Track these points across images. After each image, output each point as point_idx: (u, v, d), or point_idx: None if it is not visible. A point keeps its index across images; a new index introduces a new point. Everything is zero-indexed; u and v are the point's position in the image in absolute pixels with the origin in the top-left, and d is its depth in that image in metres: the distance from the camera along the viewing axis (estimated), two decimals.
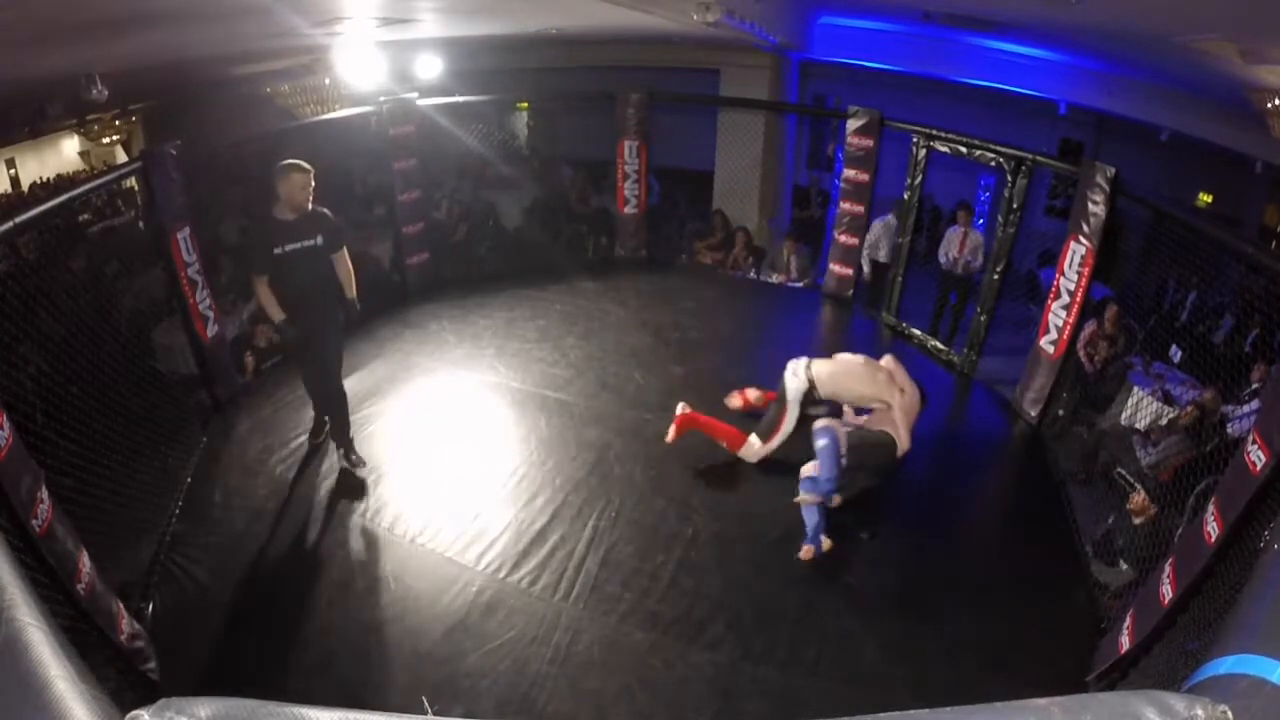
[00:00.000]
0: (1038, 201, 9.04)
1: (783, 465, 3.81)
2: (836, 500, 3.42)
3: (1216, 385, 4.35)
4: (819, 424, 3.48)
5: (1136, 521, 3.45)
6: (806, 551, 3.24)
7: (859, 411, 3.78)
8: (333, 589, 3.06)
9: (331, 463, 3.84)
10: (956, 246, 6.34)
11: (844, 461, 3.35)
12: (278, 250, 3.34)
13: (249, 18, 4.97)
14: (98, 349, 3.49)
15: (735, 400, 4.21)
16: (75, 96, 6.35)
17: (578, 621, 2.90)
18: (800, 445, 3.64)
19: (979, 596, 3.12)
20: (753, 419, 3.93)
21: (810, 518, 3.32)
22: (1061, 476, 4.05)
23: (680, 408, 3.83)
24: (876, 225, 6.45)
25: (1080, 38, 6.21)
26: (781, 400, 3.70)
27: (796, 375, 3.67)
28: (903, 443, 3.43)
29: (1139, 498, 3.50)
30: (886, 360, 3.78)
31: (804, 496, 3.34)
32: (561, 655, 2.75)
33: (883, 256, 6.52)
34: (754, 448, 3.75)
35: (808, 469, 3.42)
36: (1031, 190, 4.68)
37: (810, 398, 3.66)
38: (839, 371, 3.67)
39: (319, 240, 3.45)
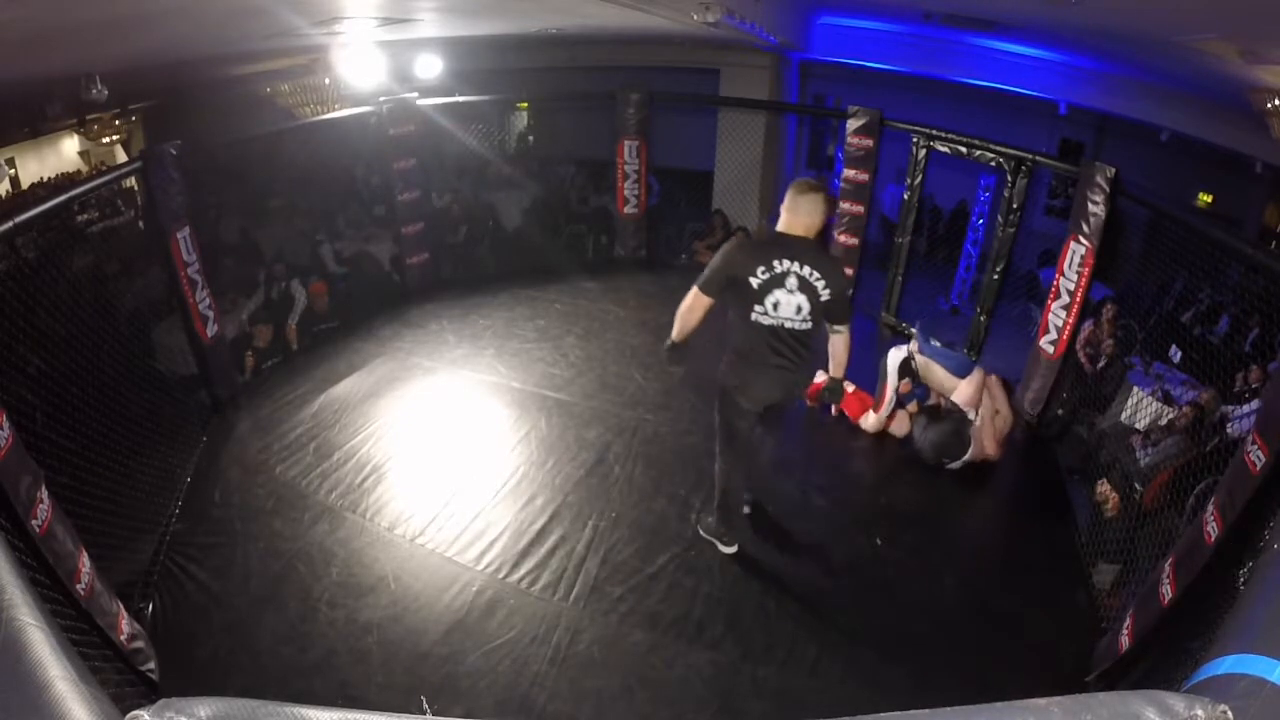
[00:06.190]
0: (1038, 202, 9.04)
1: (785, 467, 3.82)
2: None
3: (1215, 385, 4.35)
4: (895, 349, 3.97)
5: (1108, 514, 3.47)
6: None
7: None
8: (333, 589, 3.06)
9: (331, 462, 3.84)
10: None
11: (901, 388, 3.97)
12: None
13: (249, 18, 4.96)
14: (97, 349, 3.49)
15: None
16: (75, 96, 6.32)
17: (578, 621, 2.90)
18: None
19: (979, 596, 3.12)
20: None
21: None
22: (1061, 476, 4.05)
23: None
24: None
25: (1080, 38, 6.20)
26: (882, 375, 4.06)
27: (899, 349, 4.12)
28: (988, 448, 3.67)
29: (1103, 487, 3.54)
30: (991, 379, 4.01)
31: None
32: (561, 655, 2.75)
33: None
34: (869, 419, 4.16)
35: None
36: (1031, 190, 4.68)
37: (908, 368, 4.01)
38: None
39: None
